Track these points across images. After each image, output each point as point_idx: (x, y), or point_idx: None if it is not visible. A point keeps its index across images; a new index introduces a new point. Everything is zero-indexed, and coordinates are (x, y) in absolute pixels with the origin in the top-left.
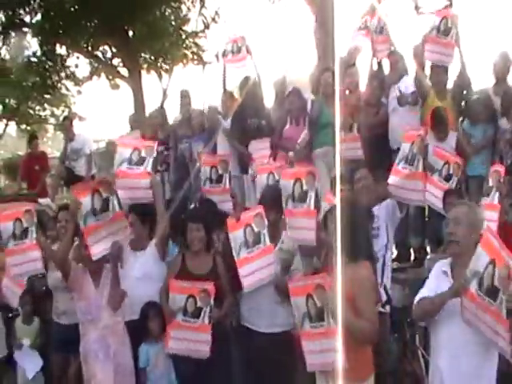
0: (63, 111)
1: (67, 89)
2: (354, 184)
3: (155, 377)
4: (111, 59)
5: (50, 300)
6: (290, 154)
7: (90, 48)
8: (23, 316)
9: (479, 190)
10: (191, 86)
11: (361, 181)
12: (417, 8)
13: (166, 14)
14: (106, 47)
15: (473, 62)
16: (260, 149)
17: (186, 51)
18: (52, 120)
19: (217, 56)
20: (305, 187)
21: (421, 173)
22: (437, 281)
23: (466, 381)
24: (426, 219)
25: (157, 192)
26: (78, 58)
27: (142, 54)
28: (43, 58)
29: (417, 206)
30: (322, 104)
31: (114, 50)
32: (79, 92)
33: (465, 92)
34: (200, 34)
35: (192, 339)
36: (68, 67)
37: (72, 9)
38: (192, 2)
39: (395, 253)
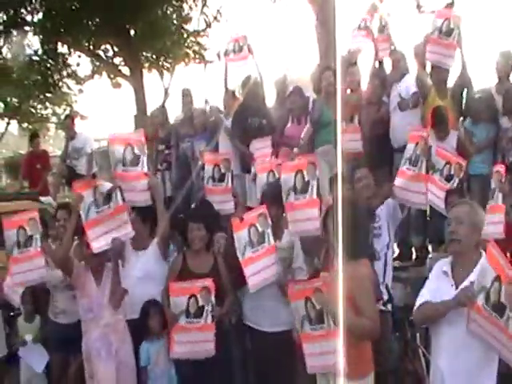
0: (65, 110)
1: (69, 87)
2: (355, 183)
3: (156, 375)
4: (113, 58)
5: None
6: (295, 150)
7: (91, 47)
8: (25, 314)
9: (480, 189)
10: (193, 85)
11: (361, 180)
12: (418, 7)
13: (168, 12)
14: (108, 46)
15: (475, 61)
16: (261, 148)
17: (188, 50)
18: (53, 119)
19: (218, 55)
20: (306, 178)
21: (424, 174)
22: (437, 281)
23: (466, 381)
24: (428, 218)
25: (156, 192)
26: (79, 56)
27: (144, 53)
28: (45, 57)
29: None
30: (323, 103)
31: (116, 48)
32: (81, 91)
33: (465, 91)
34: (202, 33)
35: (196, 340)
36: (69, 66)
37: (73, 8)
38: (194, 1)
39: (397, 251)
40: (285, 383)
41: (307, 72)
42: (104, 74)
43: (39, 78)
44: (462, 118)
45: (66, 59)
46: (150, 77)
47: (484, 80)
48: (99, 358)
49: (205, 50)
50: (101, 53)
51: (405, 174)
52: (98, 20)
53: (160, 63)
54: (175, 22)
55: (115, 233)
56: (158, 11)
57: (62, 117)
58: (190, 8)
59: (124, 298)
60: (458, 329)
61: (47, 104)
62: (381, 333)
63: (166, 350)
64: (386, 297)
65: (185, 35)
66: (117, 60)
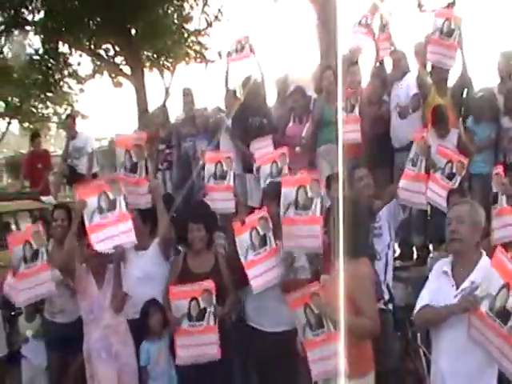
0: (66, 109)
1: (70, 87)
2: (356, 182)
3: (156, 374)
4: (114, 57)
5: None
6: (297, 149)
7: (92, 46)
8: (26, 314)
9: (481, 188)
10: (194, 85)
11: (362, 179)
12: (420, 6)
13: (169, 12)
14: (109, 45)
15: (477, 62)
16: (262, 147)
17: (189, 49)
18: (55, 118)
19: (219, 54)
20: (309, 194)
21: (423, 174)
22: (437, 281)
23: (467, 381)
24: (429, 218)
25: (156, 194)
26: (80, 56)
27: (145, 52)
28: (46, 56)
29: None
30: (324, 102)
31: (117, 48)
32: (82, 90)
33: (466, 91)
34: (203, 33)
35: (199, 343)
36: (70, 65)
37: (74, 7)
38: (195, 0)
39: (398, 251)
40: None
41: (308, 71)
42: (105, 73)
43: (40, 77)
44: (461, 118)
45: (67, 58)
46: (150, 76)
47: (486, 80)
48: (99, 359)
49: (206, 49)
50: (102, 52)
51: (407, 175)
52: (98, 19)
53: (161, 62)
54: (176, 21)
55: (118, 239)
56: (158, 10)
57: (63, 116)
58: (191, 7)
59: (126, 301)
60: (459, 332)
61: (48, 103)
62: (382, 332)
63: (166, 349)
64: (387, 296)
65: (186, 34)
66: (118, 59)
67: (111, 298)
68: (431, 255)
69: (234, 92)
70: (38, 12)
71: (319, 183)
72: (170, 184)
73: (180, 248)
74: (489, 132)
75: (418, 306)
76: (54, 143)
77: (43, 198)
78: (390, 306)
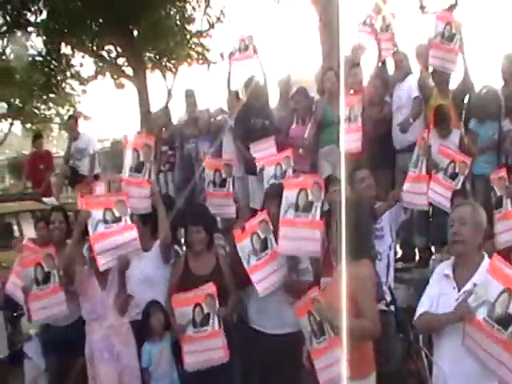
0: (68, 110)
1: (72, 88)
2: (357, 184)
3: (158, 376)
4: (116, 58)
5: None
6: (300, 150)
7: (94, 47)
8: (28, 315)
9: (484, 189)
10: (196, 86)
11: (364, 180)
12: (422, 7)
13: (171, 13)
14: (111, 47)
15: (480, 65)
16: (265, 148)
17: (191, 51)
18: (57, 119)
19: (222, 55)
20: (310, 197)
21: (424, 175)
22: (438, 285)
23: (469, 383)
24: (430, 219)
25: (157, 199)
26: (83, 57)
27: (147, 54)
28: (48, 58)
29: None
30: (327, 103)
31: (119, 49)
32: (84, 91)
33: (468, 96)
34: (205, 34)
35: (206, 348)
36: (73, 66)
37: (77, 8)
38: (197, 2)
39: (400, 253)
40: None
41: (311, 72)
42: (107, 74)
43: (42, 78)
44: (463, 121)
45: (70, 60)
46: (153, 77)
47: (489, 84)
48: (102, 360)
49: (208, 50)
50: (104, 53)
51: (410, 177)
52: (101, 21)
53: (163, 64)
54: (178, 22)
55: (122, 249)
56: (161, 12)
57: (66, 117)
58: (193, 9)
59: (129, 303)
60: (460, 334)
61: (50, 105)
62: (383, 334)
63: (168, 351)
64: (388, 298)
65: (188, 36)
66: (120, 60)
67: (115, 298)
68: (433, 257)
69: (237, 93)
70: (41, 13)
71: (320, 187)
72: (172, 185)
73: (177, 249)
74: (491, 133)
75: (417, 313)
76: (56, 144)
77: (45, 199)
78: (392, 308)
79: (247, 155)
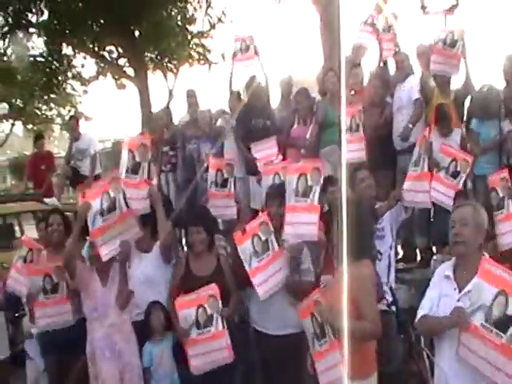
0: (69, 111)
1: (73, 89)
2: (358, 184)
3: (159, 376)
4: (117, 59)
5: None
6: (302, 150)
7: (96, 48)
8: (30, 315)
9: (485, 189)
10: (197, 86)
11: (364, 181)
12: (423, 7)
13: (172, 14)
14: (112, 47)
15: (483, 67)
16: (266, 148)
17: (192, 51)
18: (58, 120)
19: (223, 56)
20: (309, 182)
21: (426, 172)
22: (439, 287)
23: (470, 383)
24: (431, 219)
25: (156, 201)
26: (84, 57)
27: (148, 54)
28: (49, 58)
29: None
30: (328, 104)
31: (120, 49)
32: (85, 92)
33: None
34: (206, 34)
35: (210, 350)
36: (74, 67)
37: (78, 9)
38: (198, 2)
39: (401, 253)
40: None
41: (312, 73)
42: (108, 75)
43: (44, 79)
44: (464, 120)
45: (71, 60)
46: (154, 78)
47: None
48: (103, 358)
49: (209, 51)
50: (105, 54)
51: (410, 177)
52: (102, 21)
53: (164, 64)
54: (179, 23)
55: (123, 236)
56: (162, 12)
57: (67, 118)
58: (195, 9)
59: (131, 298)
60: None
61: (52, 105)
62: (385, 334)
63: (169, 351)
64: (390, 298)
65: (189, 36)
66: (121, 61)
67: (117, 294)
68: (434, 257)
69: (238, 94)
70: (42, 14)
71: (320, 172)
72: (174, 186)
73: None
74: (493, 132)
75: (418, 315)
76: (57, 145)
77: (46, 200)
78: (393, 308)
79: (248, 155)
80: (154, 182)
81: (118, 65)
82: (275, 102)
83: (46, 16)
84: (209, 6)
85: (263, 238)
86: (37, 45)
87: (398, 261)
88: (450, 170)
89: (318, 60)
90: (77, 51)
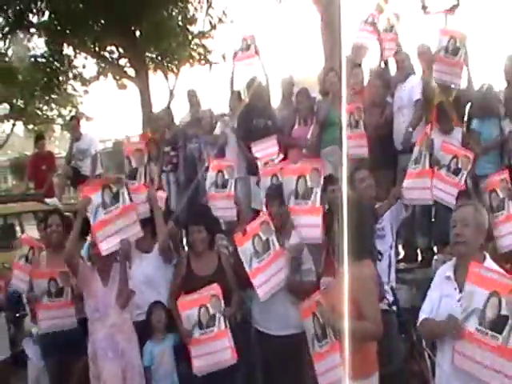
0: (70, 111)
1: (74, 89)
2: (358, 184)
3: (160, 376)
4: (118, 59)
5: None
6: (304, 151)
7: (97, 48)
8: (31, 315)
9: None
10: (198, 86)
11: (364, 180)
12: (424, 8)
13: (173, 14)
14: (113, 47)
15: (484, 67)
16: (266, 148)
17: (193, 51)
18: (59, 120)
19: (223, 56)
20: (309, 183)
21: (427, 169)
22: (440, 288)
23: (471, 383)
24: (432, 219)
25: (154, 204)
26: (85, 58)
27: (149, 54)
28: (50, 59)
29: (423, 205)
30: (329, 104)
31: (121, 50)
32: (86, 92)
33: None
34: (207, 35)
35: (213, 350)
36: (75, 67)
37: (79, 9)
38: (199, 2)
39: (402, 253)
40: None
41: (313, 73)
42: (109, 75)
43: (45, 79)
44: (465, 121)
45: (72, 61)
46: (155, 78)
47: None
48: (105, 359)
49: (209, 51)
50: (106, 54)
51: (411, 174)
52: (103, 22)
53: (165, 64)
54: (180, 23)
55: (124, 233)
56: (163, 12)
57: (68, 118)
58: (195, 9)
59: (131, 298)
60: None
61: (53, 105)
62: (386, 334)
63: (170, 351)
64: (391, 298)
65: (190, 36)
66: (122, 61)
67: (117, 294)
68: (436, 257)
69: (239, 94)
70: (43, 14)
71: (320, 173)
72: (175, 186)
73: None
74: (494, 132)
75: (420, 318)
76: (58, 145)
77: (47, 200)
78: (394, 308)
79: (249, 155)
80: (155, 182)
81: (118, 65)
82: (276, 101)
83: (46, 16)
84: (209, 6)
85: (264, 238)
86: (37, 45)
87: (399, 261)
88: (452, 168)
89: (318, 60)
90: (77, 51)
